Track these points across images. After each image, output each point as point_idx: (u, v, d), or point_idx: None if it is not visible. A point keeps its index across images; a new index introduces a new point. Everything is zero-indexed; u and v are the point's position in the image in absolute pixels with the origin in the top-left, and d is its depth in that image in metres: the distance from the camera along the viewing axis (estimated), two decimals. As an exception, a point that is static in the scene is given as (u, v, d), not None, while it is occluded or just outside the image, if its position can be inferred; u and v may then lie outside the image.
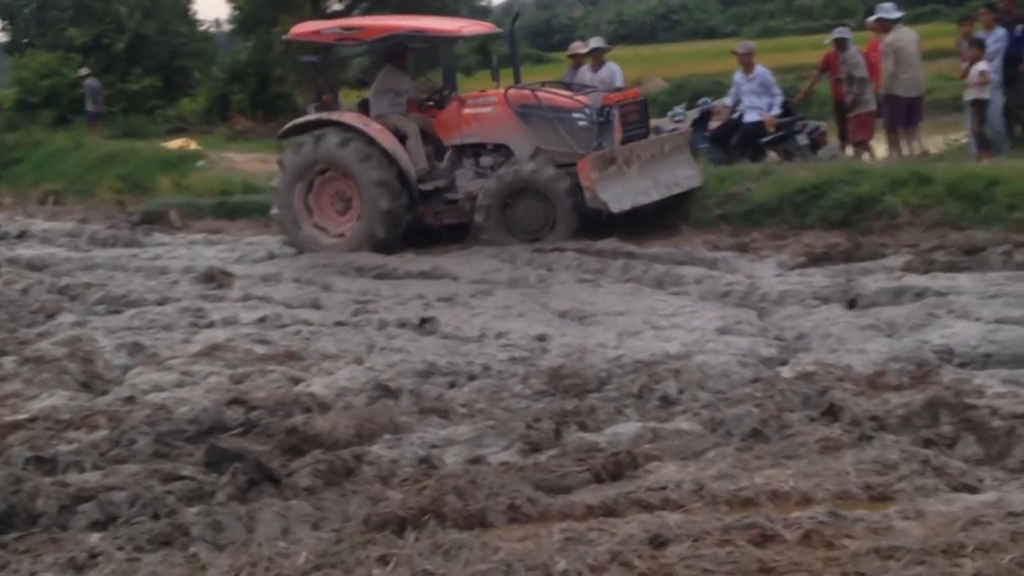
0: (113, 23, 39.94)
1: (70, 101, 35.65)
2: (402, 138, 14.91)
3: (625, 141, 14.60)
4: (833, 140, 18.18)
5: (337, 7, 44.07)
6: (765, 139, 17.00)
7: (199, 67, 45.78)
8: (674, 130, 17.15)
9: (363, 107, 15.73)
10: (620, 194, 13.86)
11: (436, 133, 15.28)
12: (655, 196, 14.34)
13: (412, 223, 14.98)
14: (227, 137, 34.65)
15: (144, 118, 37.74)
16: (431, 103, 16.02)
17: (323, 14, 41.82)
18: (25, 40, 42.52)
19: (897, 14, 17.41)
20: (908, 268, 11.06)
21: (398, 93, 15.41)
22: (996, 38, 16.49)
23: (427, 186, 14.91)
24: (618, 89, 16.03)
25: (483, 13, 48.01)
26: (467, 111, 15.01)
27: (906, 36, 17.16)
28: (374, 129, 14.77)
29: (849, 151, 17.95)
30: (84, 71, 33.72)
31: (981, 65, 15.96)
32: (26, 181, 26.21)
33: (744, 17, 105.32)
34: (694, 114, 18.64)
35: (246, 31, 44.39)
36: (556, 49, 49.47)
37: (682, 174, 15.10)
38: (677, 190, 14.73)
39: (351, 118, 15.11)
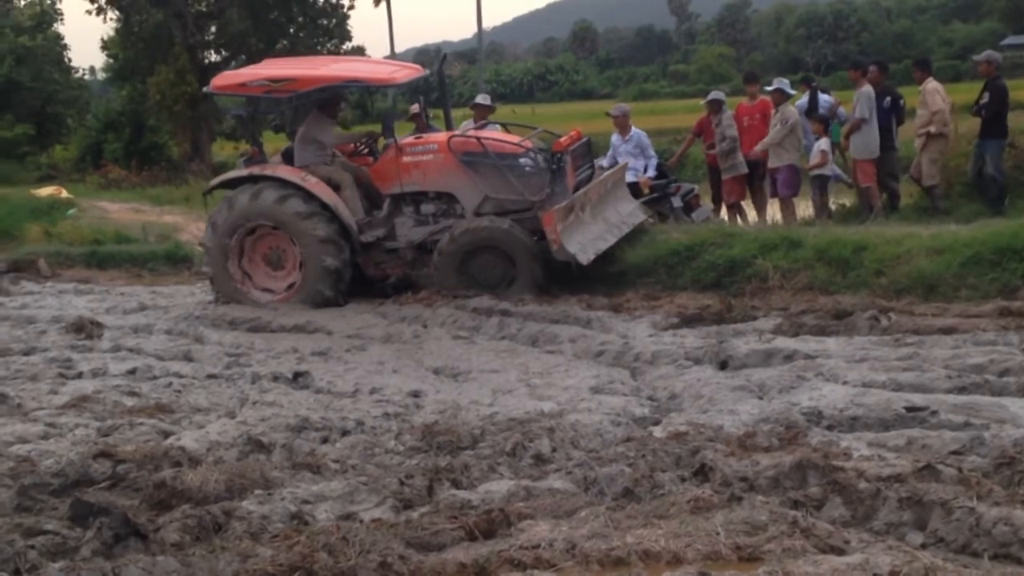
0: (-15, 69, 39.53)
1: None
2: (335, 188, 14.72)
3: (577, 185, 14.55)
4: (707, 202, 18.44)
5: (215, 59, 44.02)
6: (640, 200, 17.19)
7: (72, 115, 45.39)
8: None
9: (286, 156, 15.42)
10: (583, 243, 13.82)
11: (371, 182, 15.08)
12: (610, 240, 14.37)
13: (353, 275, 14.83)
14: (99, 186, 34.31)
15: (15, 165, 37.29)
16: (363, 151, 15.92)
17: (200, 65, 41.80)
18: None
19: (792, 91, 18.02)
20: (778, 331, 11.22)
21: (323, 143, 15.15)
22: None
23: (368, 237, 14.76)
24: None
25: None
26: (406, 159, 14.78)
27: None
28: (312, 184, 14.54)
29: (723, 213, 18.25)
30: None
31: (823, 143, 16.52)
32: None
33: (620, 80, 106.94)
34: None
35: (121, 80, 44.13)
36: (432, 106, 49.54)
37: (625, 210, 15.24)
38: (626, 229, 14.80)
39: (286, 172, 14.79)
